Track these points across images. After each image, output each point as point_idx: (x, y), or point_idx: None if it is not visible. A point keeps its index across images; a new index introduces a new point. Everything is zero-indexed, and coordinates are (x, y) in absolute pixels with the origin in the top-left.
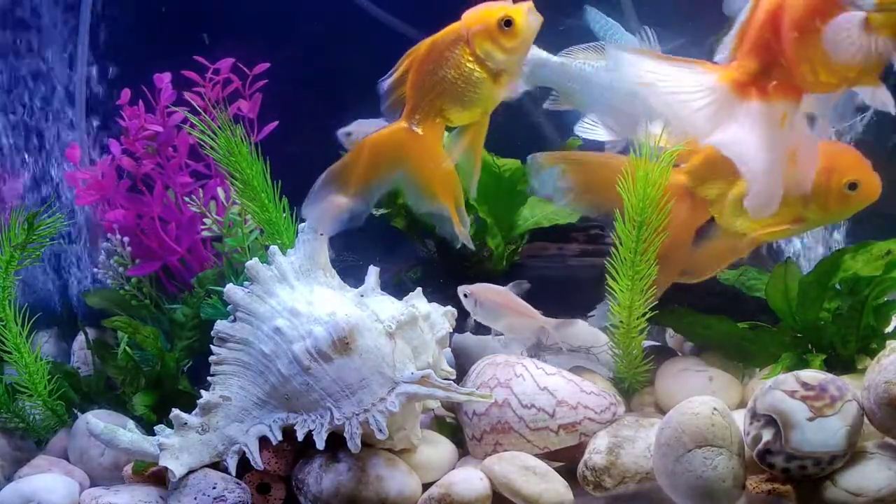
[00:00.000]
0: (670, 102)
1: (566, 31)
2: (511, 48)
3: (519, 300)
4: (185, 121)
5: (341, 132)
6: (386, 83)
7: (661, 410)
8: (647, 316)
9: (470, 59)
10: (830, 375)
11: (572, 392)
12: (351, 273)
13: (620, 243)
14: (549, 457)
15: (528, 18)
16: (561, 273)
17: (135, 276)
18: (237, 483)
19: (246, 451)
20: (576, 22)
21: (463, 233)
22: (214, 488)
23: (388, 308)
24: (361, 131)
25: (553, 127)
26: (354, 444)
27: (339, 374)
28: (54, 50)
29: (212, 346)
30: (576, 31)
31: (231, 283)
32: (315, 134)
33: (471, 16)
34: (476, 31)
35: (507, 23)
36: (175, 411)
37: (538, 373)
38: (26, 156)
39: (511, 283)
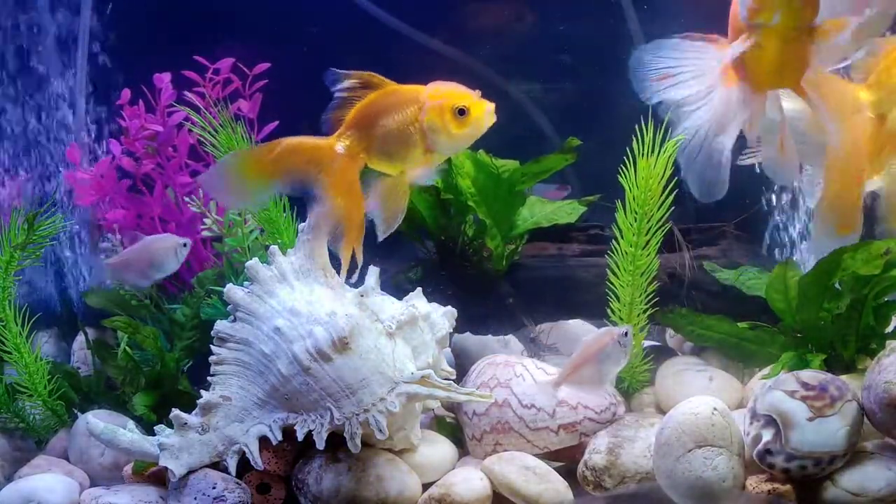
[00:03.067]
0: (681, 79)
1: None
2: (453, 134)
3: (581, 353)
4: (186, 118)
5: None
6: (337, 97)
7: (661, 410)
8: (648, 313)
9: (415, 122)
10: (830, 375)
11: (572, 392)
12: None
13: (621, 236)
14: (549, 457)
15: (482, 117)
16: (561, 273)
17: None
18: (237, 483)
19: (246, 451)
20: None
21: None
22: (214, 488)
23: (388, 308)
24: None
25: (553, 127)
26: (354, 445)
27: (338, 373)
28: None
29: (212, 346)
30: None
31: (231, 283)
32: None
33: (436, 88)
34: (433, 103)
35: (462, 111)
36: (175, 411)
37: (538, 373)
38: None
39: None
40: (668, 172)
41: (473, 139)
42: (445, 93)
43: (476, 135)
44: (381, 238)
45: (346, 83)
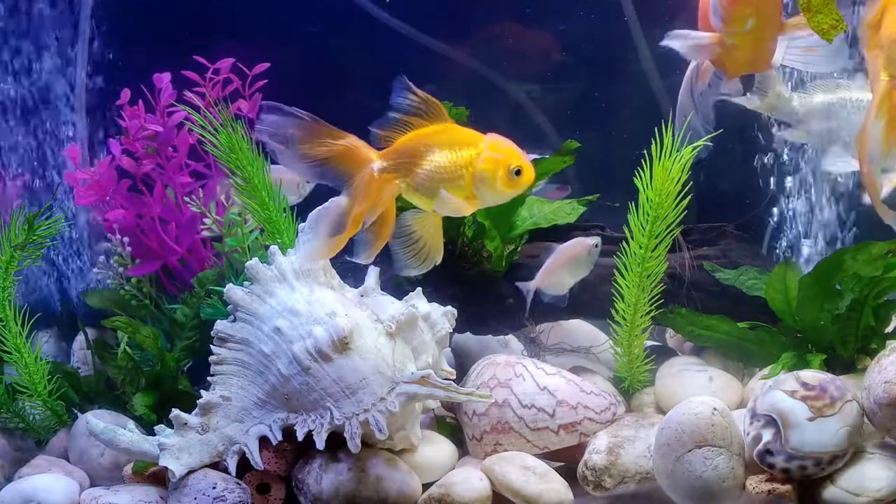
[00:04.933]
0: None
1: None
2: (500, 190)
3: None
4: (186, 117)
5: None
6: (390, 117)
7: (661, 410)
8: (652, 314)
9: (470, 165)
10: (830, 375)
11: (572, 392)
12: (351, 273)
13: (631, 237)
14: (549, 457)
15: (529, 181)
16: None
17: (135, 276)
18: (237, 483)
19: (246, 451)
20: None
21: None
22: (214, 488)
23: (388, 308)
24: None
25: (552, 127)
26: (354, 444)
27: (338, 373)
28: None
29: (212, 346)
30: None
31: (231, 283)
32: None
33: (497, 141)
34: (493, 154)
35: (518, 172)
36: (175, 411)
37: (538, 373)
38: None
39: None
40: (684, 177)
41: (509, 198)
42: (506, 149)
43: (514, 194)
44: (405, 273)
45: (404, 105)
